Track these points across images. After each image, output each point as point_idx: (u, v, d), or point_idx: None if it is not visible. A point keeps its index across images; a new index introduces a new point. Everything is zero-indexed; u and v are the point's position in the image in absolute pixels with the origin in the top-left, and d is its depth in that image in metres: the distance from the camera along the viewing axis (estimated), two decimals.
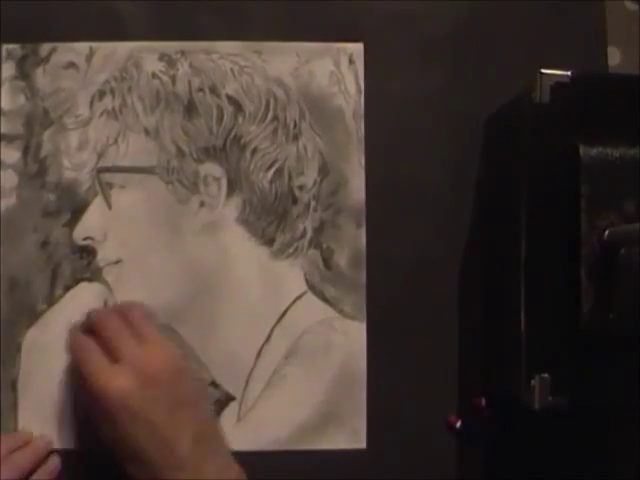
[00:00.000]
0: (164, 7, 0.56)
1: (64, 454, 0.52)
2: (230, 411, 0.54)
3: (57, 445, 0.53)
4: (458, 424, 0.54)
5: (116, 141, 0.55)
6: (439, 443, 0.54)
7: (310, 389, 0.54)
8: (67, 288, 0.54)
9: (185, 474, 0.45)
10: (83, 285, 0.54)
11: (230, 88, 0.56)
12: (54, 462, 0.52)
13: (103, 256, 0.54)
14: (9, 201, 0.55)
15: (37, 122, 0.55)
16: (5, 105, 0.55)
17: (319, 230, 0.55)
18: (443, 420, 0.54)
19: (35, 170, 0.55)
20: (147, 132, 0.55)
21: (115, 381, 0.45)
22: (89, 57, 0.55)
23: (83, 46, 0.56)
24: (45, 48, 0.56)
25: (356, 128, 0.56)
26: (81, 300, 0.54)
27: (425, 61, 0.57)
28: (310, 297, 0.55)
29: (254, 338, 0.54)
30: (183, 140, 0.55)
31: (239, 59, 0.56)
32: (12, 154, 0.55)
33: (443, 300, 0.55)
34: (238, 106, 0.55)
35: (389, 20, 0.57)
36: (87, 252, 0.54)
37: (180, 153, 0.55)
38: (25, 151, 0.55)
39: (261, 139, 0.55)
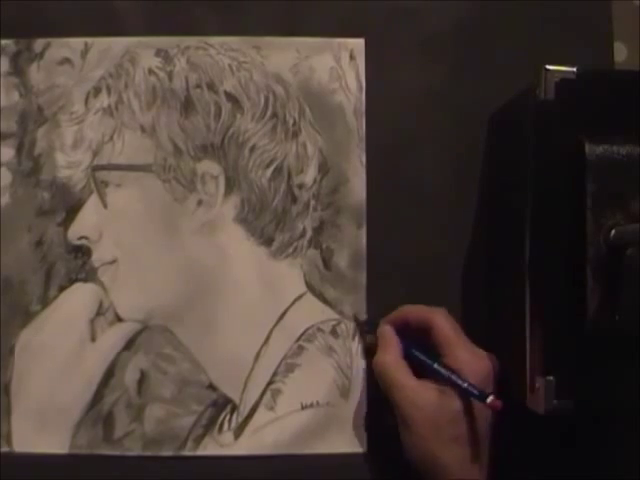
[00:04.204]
0: (160, 1, 0.56)
1: (60, 458, 0.52)
2: (228, 414, 0.53)
3: (52, 449, 0.52)
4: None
5: (112, 138, 0.54)
6: None
7: (310, 391, 0.53)
8: (61, 288, 0.54)
9: None
10: (78, 285, 0.54)
11: (228, 84, 0.55)
12: None
13: (98, 256, 0.54)
14: (3, 200, 0.54)
15: (31, 119, 0.55)
16: None
17: (319, 230, 0.54)
18: None
19: (29, 168, 0.54)
20: (143, 129, 0.54)
21: None
22: (84, 53, 0.55)
23: (78, 42, 0.55)
24: (39, 44, 0.55)
25: (357, 125, 0.55)
26: (76, 301, 0.53)
27: (427, 57, 0.57)
28: (309, 298, 0.54)
29: (253, 340, 0.53)
30: (180, 137, 0.54)
31: (237, 54, 0.55)
32: (6, 152, 0.54)
33: (444, 301, 0.54)
34: (236, 103, 0.55)
35: (391, 16, 0.57)
36: (82, 252, 0.54)
37: (177, 151, 0.54)
38: (19, 149, 0.54)
39: (260, 136, 0.55)
